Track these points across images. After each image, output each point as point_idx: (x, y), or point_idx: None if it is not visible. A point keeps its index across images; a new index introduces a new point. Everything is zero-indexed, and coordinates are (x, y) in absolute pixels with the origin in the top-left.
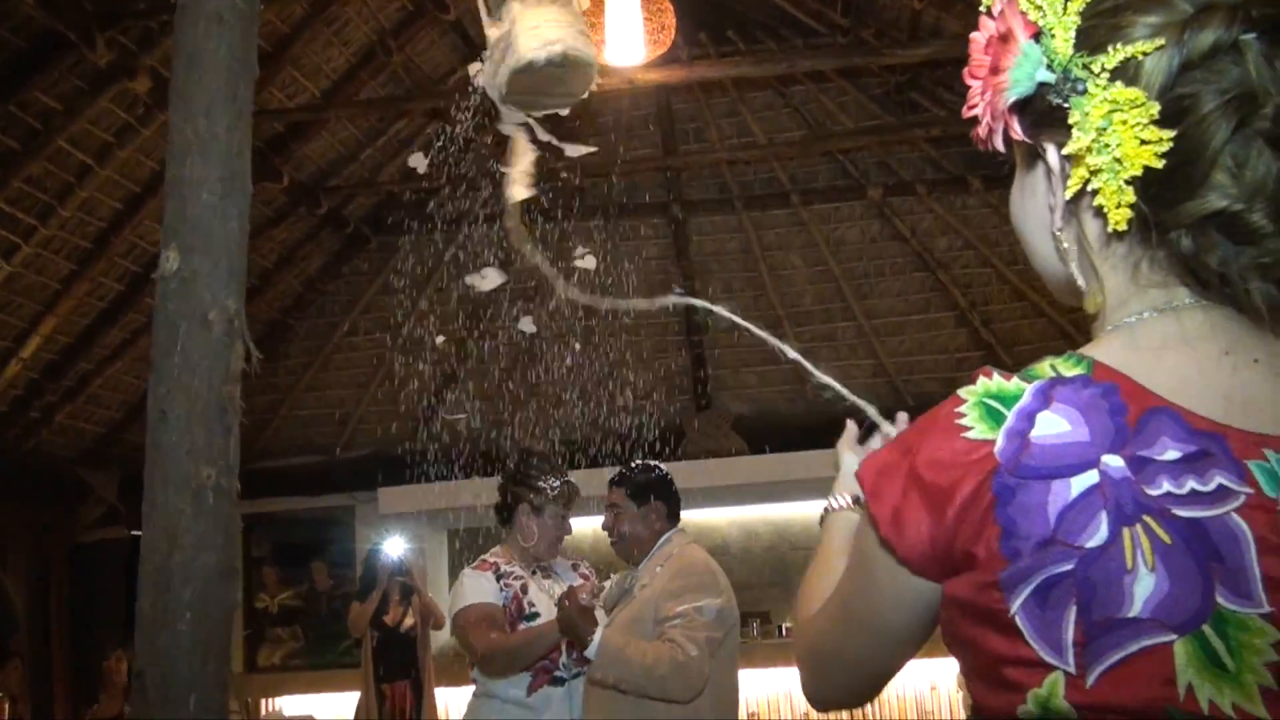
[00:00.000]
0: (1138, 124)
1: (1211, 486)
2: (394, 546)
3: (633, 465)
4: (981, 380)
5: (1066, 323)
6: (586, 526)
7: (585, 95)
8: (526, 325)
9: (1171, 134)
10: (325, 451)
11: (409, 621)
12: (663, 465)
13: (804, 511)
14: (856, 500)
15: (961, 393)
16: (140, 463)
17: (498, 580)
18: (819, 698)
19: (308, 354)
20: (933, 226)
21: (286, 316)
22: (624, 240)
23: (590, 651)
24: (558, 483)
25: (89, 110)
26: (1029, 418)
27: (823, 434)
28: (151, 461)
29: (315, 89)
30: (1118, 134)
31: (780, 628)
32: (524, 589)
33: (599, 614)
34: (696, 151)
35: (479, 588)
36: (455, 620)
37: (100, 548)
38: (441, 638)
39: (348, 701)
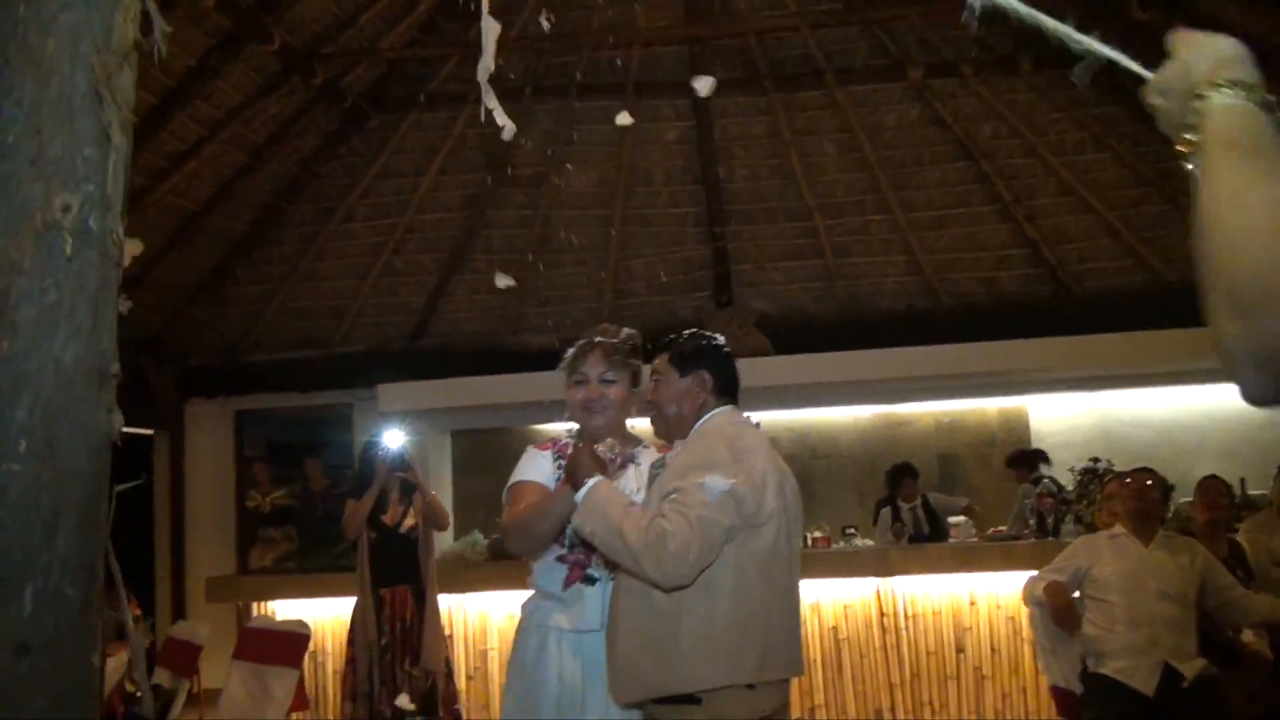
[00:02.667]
0: None
1: None
2: (393, 439)
3: (684, 332)
4: None
5: (1115, 219)
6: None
7: None
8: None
9: None
10: (321, 346)
11: (409, 521)
12: (720, 337)
13: (828, 417)
14: None
15: None
16: (125, 353)
17: (554, 460)
18: None
19: (302, 241)
20: (977, 111)
21: (279, 200)
22: (642, 122)
23: (578, 496)
24: (575, 345)
25: None
26: None
27: (852, 334)
28: None
29: None
30: None
31: (807, 538)
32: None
33: (631, 481)
34: (723, 22)
35: (532, 465)
36: (504, 497)
37: None
38: (446, 540)
39: (344, 606)
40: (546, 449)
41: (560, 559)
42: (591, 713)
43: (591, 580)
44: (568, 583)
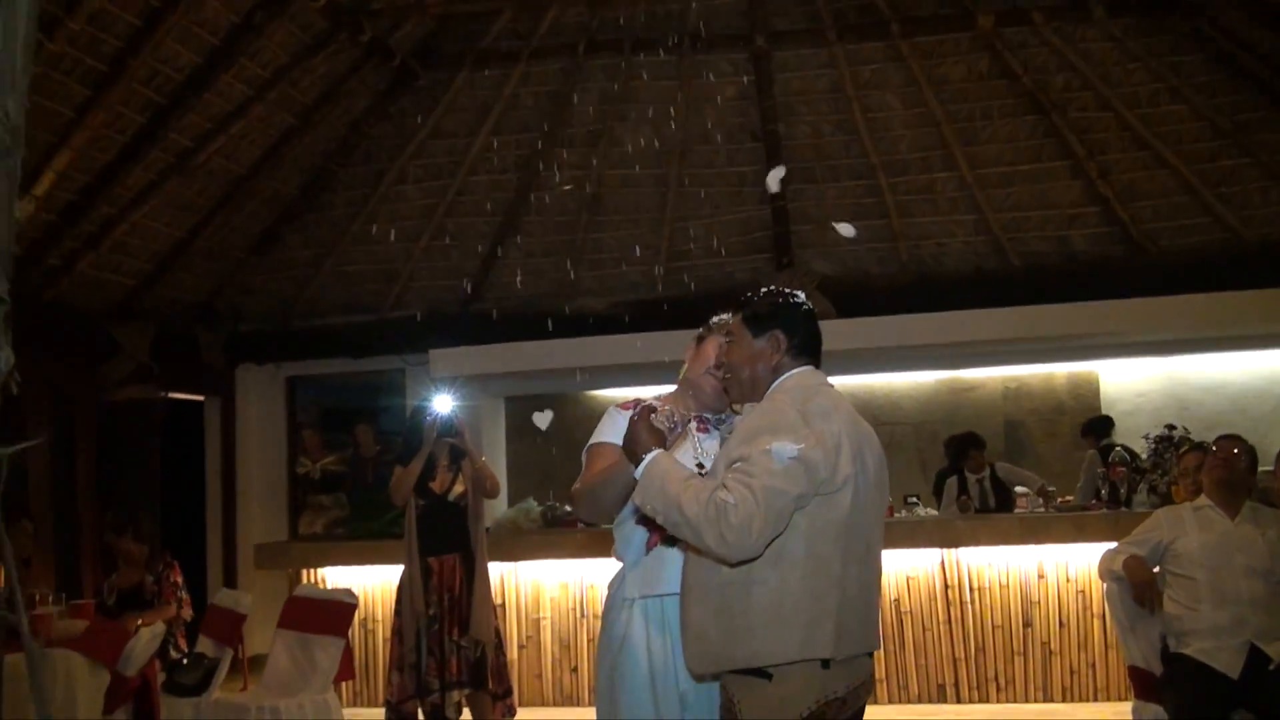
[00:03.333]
0: None
1: None
2: (443, 404)
3: (761, 290)
4: None
5: (1192, 174)
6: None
7: None
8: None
9: None
10: (373, 310)
11: (459, 489)
12: (803, 294)
13: (891, 382)
14: None
15: None
16: (175, 319)
17: None
18: None
19: (353, 204)
20: (1049, 62)
21: (330, 162)
22: (697, 78)
23: (638, 473)
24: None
25: None
26: None
27: (916, 296)
28: None
29: None
30: None
31: None
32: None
33: (691, 452)
34: None
35: (611, 426)
36: (582, 458)
37: (130, 408)
38: (499, 507)
39: (396, 574)
40: (629, 409)
41: (640, 521)
42: (685, 682)
43: (673, 541)
44: (649, 545)
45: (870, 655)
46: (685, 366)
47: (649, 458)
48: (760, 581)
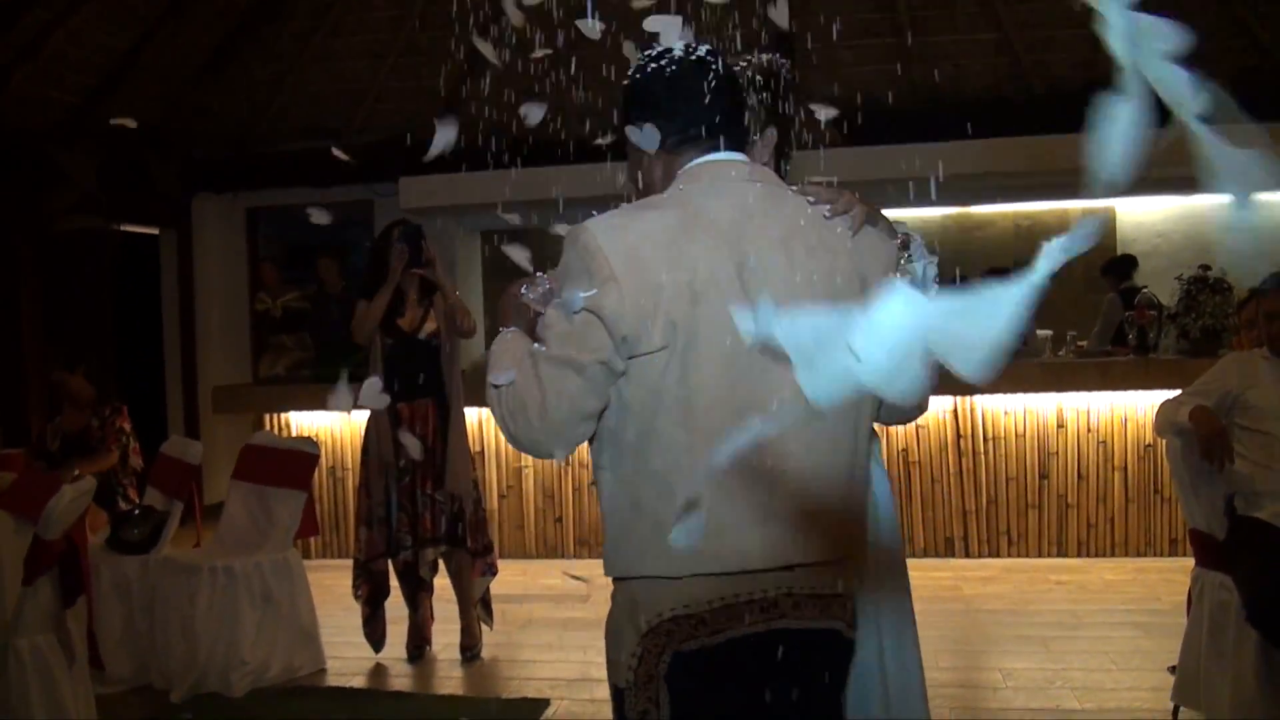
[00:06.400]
0: None
1: None
2: (411, 233)
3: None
4: None
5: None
6: None
7: None
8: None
9: None
10: (337, 134)
11: (430, 326)
12: (707, 49)
13: (897, 217)
14: None
15: None
16: (124, 143)
17: None
18: None
19: (314, 15)
20: None
21: None
22: None
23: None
24: None
25: None
26: None
27: (928, 123)
28: None
29: None
30: None
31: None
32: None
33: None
34: None
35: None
36: None
37: (78, 239)
38: (474, 348)
39: (363, 419)
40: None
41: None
42: None
43: None
44: None
45: (791, 569)
46: None
47: (497, 339)
48: (601, 468)
